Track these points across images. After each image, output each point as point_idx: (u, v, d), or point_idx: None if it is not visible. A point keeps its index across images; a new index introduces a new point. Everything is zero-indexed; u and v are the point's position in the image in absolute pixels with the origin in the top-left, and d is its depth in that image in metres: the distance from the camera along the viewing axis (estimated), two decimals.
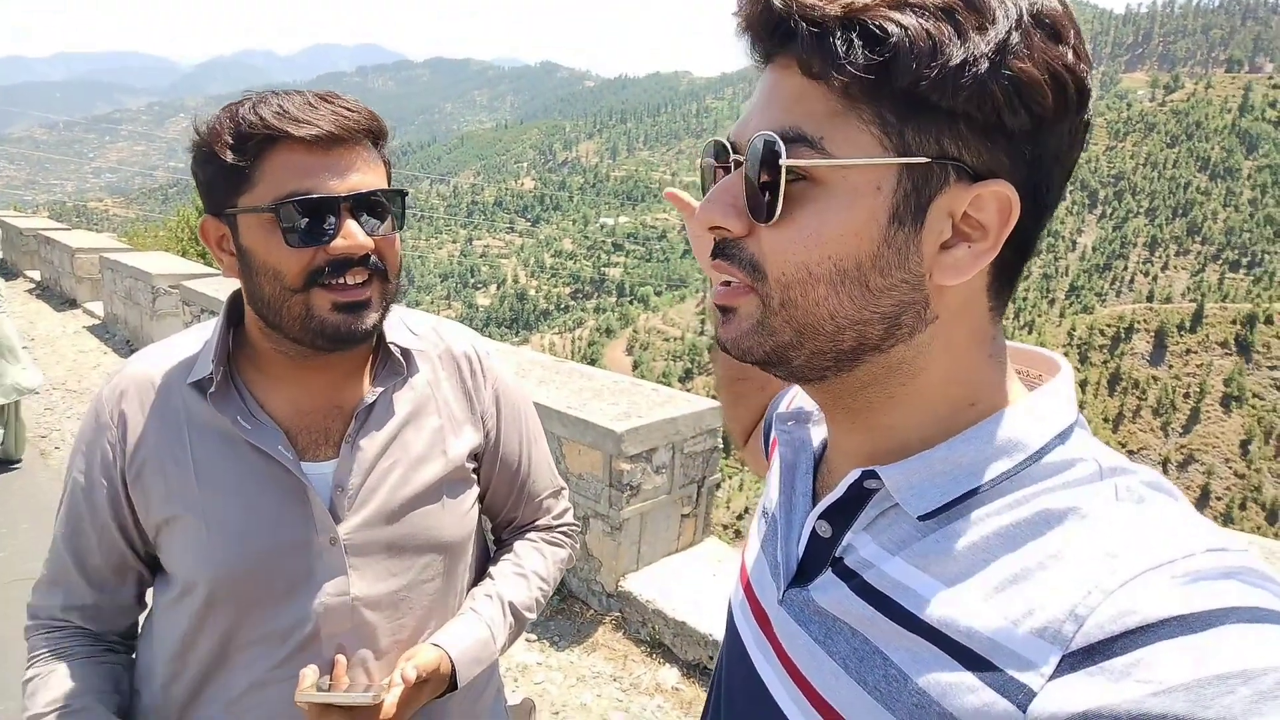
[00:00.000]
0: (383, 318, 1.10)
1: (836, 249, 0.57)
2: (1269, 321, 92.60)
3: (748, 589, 0.79)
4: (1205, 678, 0.45)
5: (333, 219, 1.02)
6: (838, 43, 0.53)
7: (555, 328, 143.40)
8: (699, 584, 3.63)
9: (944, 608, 0.57)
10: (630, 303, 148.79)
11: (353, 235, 1.02)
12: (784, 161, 0.56)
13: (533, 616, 1.31)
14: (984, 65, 0.52)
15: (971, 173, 0.55)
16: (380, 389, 1.17)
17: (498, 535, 1.42)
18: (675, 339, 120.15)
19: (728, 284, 0.62)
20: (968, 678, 0.54)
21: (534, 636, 3.54)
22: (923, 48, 0.52)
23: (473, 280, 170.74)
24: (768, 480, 0.86)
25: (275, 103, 1.02)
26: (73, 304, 10.92)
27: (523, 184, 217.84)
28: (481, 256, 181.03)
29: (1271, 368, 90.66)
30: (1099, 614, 0.49)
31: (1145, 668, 0.46)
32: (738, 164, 0.60)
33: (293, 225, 1.01)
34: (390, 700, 1.04)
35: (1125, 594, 0.49)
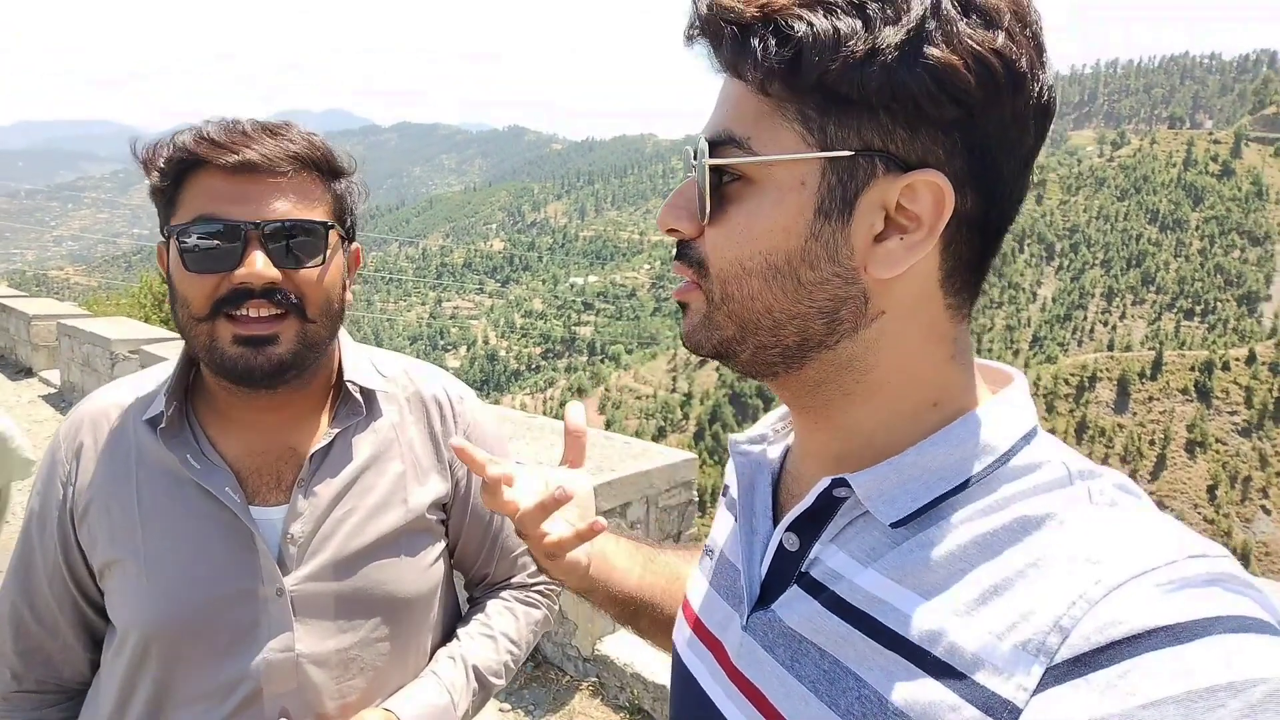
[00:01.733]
0: (299, 357, 1.04)
1: (766, 244, 0.59)
2: (1226, 368, 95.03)
3: (697, 627, 0.77)
4: (1195, 690, 0.44)
5: (237, 247, 0.99)
6: (754, 42, 0.55)
7: (526, 388, 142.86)
8: None
9: (923, 622, 0.55)
10: (601, 361, 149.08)
11: (252, 264, 0.98)
12: (706, 161, 0.59)
13: (501, 683, 1.24)
14: (892, 55, 0.52)
15: (901, 163, 0.55)
16: (336, 430, 1.12)
17: (471, 593, 1.35)
18: (648, 396, 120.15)
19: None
20: (949, 695, 0.52)
21: (507, 706, 3.38)
22: (825, 41, 0.53)
23: (442, 342, 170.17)
24: (715, 522, 0.86)
25: (208, 129, 1.01)
26: (29, 372, 10.63)
27: (492, 245, 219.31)
28: (451, 318, 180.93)
29: (1231, 413, 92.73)
30: (1084, 625, 0.49)
31: (1133, 679, 0.45)
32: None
33: (192, 249, 0.98)
34: None
35: (1110, 604, 0.49)
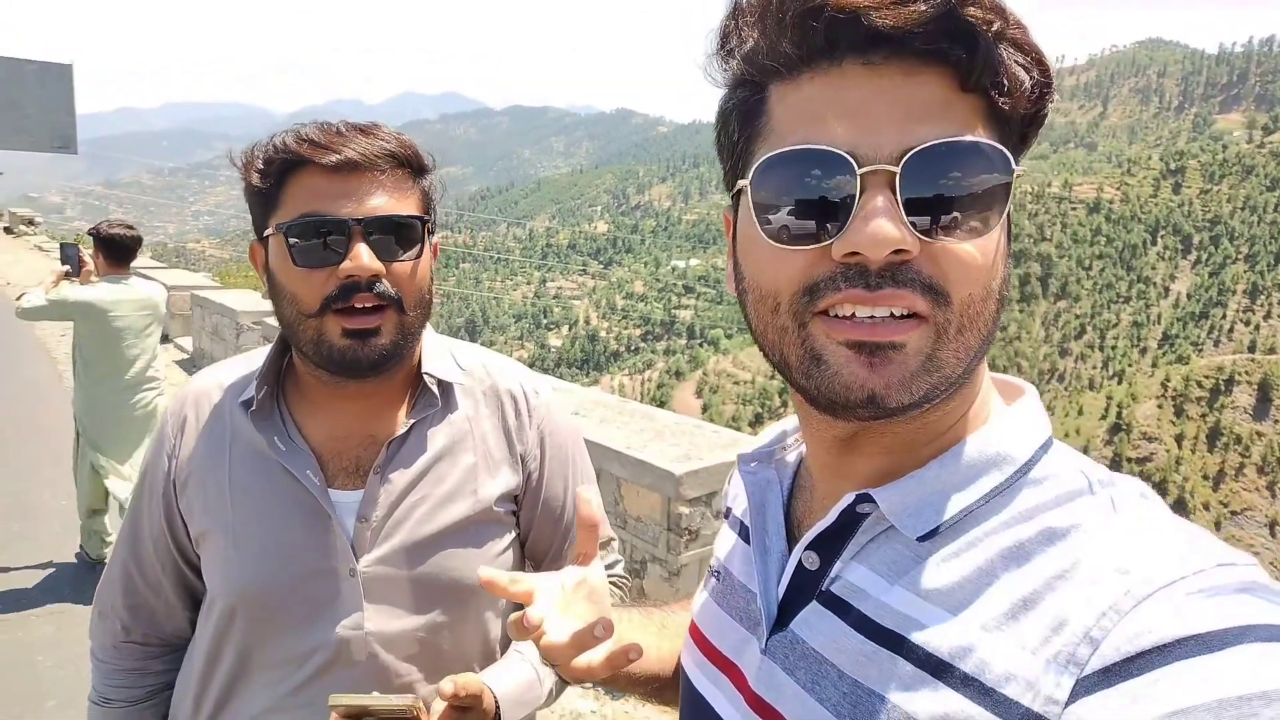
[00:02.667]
0: (398, 347, 1.08)
1: (1003, 263, 0.57)
2: None
3: (708, 651, 0.75)
4: (1227, 699, 0.43)
5: (343, 241, 1.02)
6: (1017, 59, 0.54)
7: (625, 369, 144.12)
8: None
9: (951, 638, 0.54)
10: (700, 345, 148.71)
11: (359, 256, 1.01)
12: (1018, 169, 0.55)
13: None
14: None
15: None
16: (413, 421, 1.16)
17: None
18: (745, 382, 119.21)
19: (874, 318, 0.55)
20: (979, 712, 0.51)
21: (588, 683, 3.43)
22: (1052, 70, 0.56)
23: (545, 321, 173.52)
24: (718, 541, 0.84)
25: (306, 130, 1.05)
26: (165, 339, 11.46)
27: (596, 227, 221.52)
28: (555, 298, 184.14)
29: None
30: (1115, 635, 0.48)
31: (1164, 688, 0.45)
32: (872, 177, 0.54)
33: (300, 246, 1.02)
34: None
35: (1140, 613, 0.48)
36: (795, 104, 0.57)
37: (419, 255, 1.09)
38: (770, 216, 0.57)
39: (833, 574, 0.63)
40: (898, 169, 0.53)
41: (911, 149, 0.53)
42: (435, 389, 1.18)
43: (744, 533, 0.76)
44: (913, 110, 0.54)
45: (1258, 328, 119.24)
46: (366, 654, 1.09)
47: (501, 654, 1.22)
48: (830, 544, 0.64)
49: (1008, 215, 0.57)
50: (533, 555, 1.31)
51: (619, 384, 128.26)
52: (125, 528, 1.22)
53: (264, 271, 1.11)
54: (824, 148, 0.55)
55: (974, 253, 0.55)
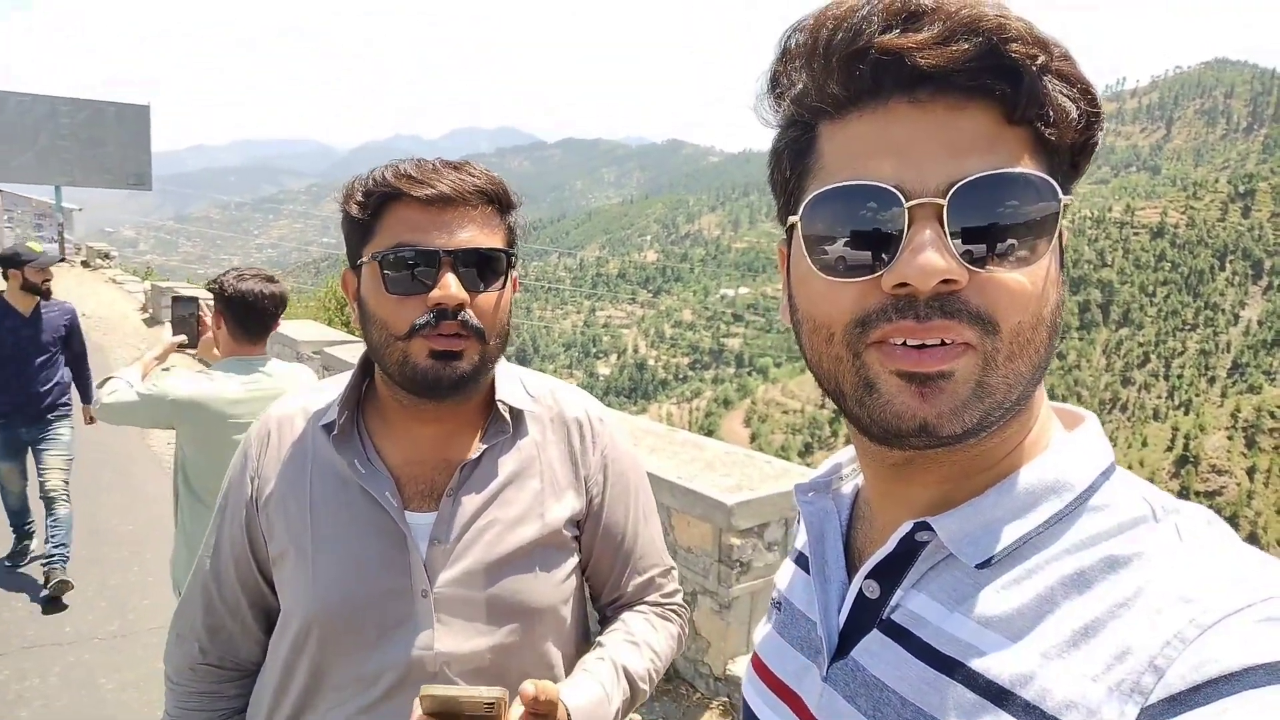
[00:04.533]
0: (477, 372, 1.11)
1: (1055, 291, 0.57)
2: None
3: (769, 680, 0.76)
4: None
5: (432, 271, 1.06)
6: (1061, 89, 0.55)
7: (673, 398, 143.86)
8: None
9: (1012, 665, 0.54)
10: (749, 374, 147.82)
11: (448, 286, 1.05)
12: (1065, 199, 0.56)
13: (647, 690, 1.25)
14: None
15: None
16: (485, 446, 1.18)
17: (603, 614, 1.36)
18: (795, 411, 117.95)
19: (921, 346, 0.55)
20: None
21: (637, 717, 3.41)
22: (1099, 99, 0.57)
23: (594, 350, 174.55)
24: (779, 574, 0.85)
25: (403, 166, 1.09)
26: None
27: (645, 256, 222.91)
28: (604, 326, 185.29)
29: None
30: (1180, 664, 0.47)
31: (1233, 717, 0.44)
32: (919, 210, 0.55)
33: (394, 273, 1.07)
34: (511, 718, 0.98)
35: (1206, 642, 0.47)
36: (844, 142, 0.59)
37: (502, 287, 1.13)
38: (821, 250, 0.59)
39: (893, 602, 0.63)
40: (944, 201, 0.54)
41: (957, 182, 0.54)
42: (508, 415, 1.21)
43: (803, 562, 0.77)
44: (959, 144, 0.55)
45: None
46: (436, 674, 1.11)
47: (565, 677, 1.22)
48: (890, 572, 0.64)
49: (1060, 242, 0.58)
50: (593, 580, 1.33)
51: (666, 412, 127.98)
52: (205, 548, 1.25)
53: (354, 297, 1.15)
54: (872, 183, 0.56)
55: (1023, 281, 0.55)
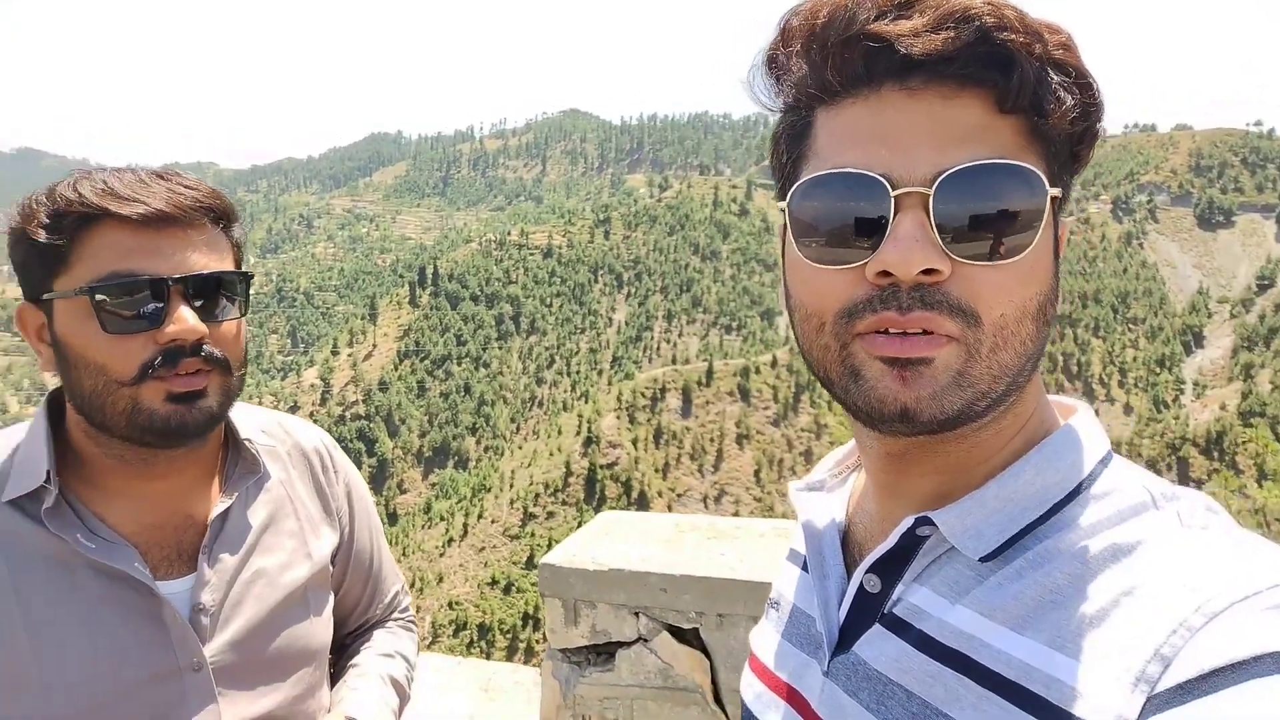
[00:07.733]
0: (224, 410, 1.01)
1: (1041, 282, 0.57)
2: (758, 371, 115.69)
3: (768, 679, 0.75)
4: None
5: (161, 303, 0.93)
6: (1056, 79, 0.55)
7: None
8: None
9: (1017, 656, 0.54)
10: None
11: (184, 320, 0.93)
12: (1053, 192, 0.56)
13: (408, 695, 1.26)
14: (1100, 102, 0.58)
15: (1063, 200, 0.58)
16: (234, 494, 1.08)
17: (343, 640, 1.30)
18: None
19: (903, 334, 0.56)
20: None
21: None
22: (1100, 91, 0.57)
23: None
24: (778, 575, 0.84)
25: (100, 179, 0.94)
26: None
27: None
28: None
29: (765, 408, 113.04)
30: (1187, 652, 0.47)
31: (1240, 705, 0.44)
32: (906, 199, 0.55)
33: (111, 309, 0.92)
34: None
35: (1213, 630, 0.47)
36: (836, 128, 0.59)
37: (241, 314, 1.03)
38: (809, 238, 0.59)
39: (895, 596, 0.63)
40: (930, 191, 0.54)
41: (945, 171, 0.54)
42: (259, 455, 1.11)
43: (800, 561, 0.77)
44: (949, 133, 0.55)
45: (675, 344, 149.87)
46: None
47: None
48: (891, 567, 0.64)
49: (1055, 233, 0.58)
50: (340, 610, 1.26)
51: None
52: None
53: (42, 339, 0.98)
54: (859, 170, 0.56)
55: (1007, 273, 0.55)
